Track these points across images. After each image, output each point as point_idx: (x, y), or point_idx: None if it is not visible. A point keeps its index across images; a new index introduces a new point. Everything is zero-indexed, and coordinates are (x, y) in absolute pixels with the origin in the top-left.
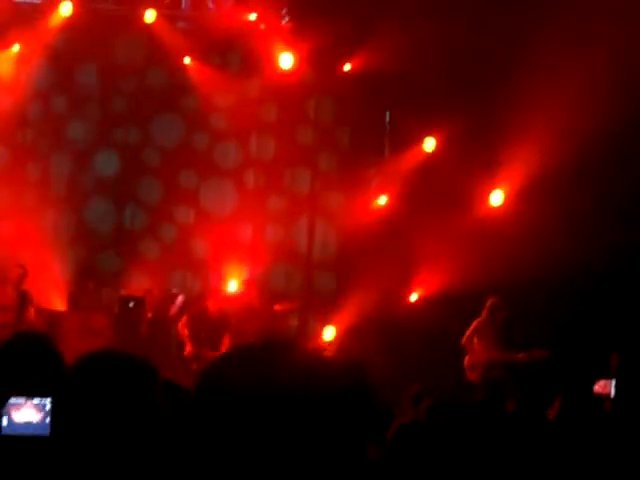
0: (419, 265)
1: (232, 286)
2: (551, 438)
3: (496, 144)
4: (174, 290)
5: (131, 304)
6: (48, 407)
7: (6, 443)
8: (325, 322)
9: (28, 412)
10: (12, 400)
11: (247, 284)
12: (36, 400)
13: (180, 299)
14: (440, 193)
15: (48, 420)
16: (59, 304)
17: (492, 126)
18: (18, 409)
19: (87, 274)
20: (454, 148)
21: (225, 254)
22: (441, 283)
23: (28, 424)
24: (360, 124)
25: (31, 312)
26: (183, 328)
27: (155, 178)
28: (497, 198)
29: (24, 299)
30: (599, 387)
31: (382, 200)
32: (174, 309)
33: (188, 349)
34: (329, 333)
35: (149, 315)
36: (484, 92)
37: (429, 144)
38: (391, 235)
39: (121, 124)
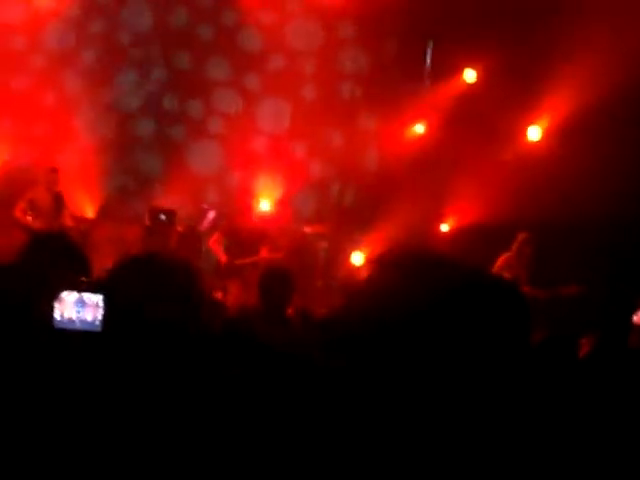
0: (452, 196)
1: (265, 206)
2: (578, 376)
3: (537, 79)
4: (205, 205)
5: (162, 217)
6: (101, 303)
7: (58, 337)
8: (355, 247)
9: (80, 307)
10: (65, 294)
11: (280, 204)
12: (89, 295)
13: (211, 214)
14: (478, 125)
15: (100, 316)
16: (90, 212)
17: (534, 60)
18: (70, 304)
19: (120, 184)
20: (495, 81)
21: (260, 173)
22: (473, 215)
23: (80, 319)
24: (402, 52)
25: (67, 216)
26: (214, 244)
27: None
28: (535, 133)
29: (58, 202)
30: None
31: (419, 128)
32: (205, 224)
33: (223, 259)
34: (358, 258)
35: (179, 229)
36: (529, 25)
37: (470, 75)
38: (426, 164)
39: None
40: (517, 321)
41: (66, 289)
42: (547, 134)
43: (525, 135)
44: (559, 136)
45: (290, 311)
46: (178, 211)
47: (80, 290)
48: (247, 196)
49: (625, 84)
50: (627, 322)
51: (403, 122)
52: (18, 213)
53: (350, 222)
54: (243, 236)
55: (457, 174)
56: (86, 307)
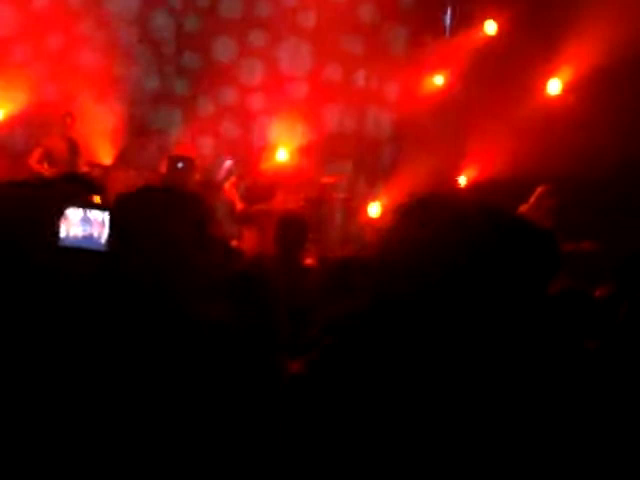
0: (471, 148)
1: (282, 155)
2: (594, 330)
3: (558, 31)
4: (223, 156)
5: (180, 164)
6: (106, 221)
7: (63, 254)
8: (372, 199)
9: (86, 225)
10: (70, 212)
11: (297, 154)
12: (94, 212)
13: (227, 163)
14: (497, 78)
15: (105, 234)
16: (106, 158)
17: (555, 12)
18: (76, 221)
19: (139, 129)
20: (516, 33)
21: (281, 120)
22: (491, 168)
23: (86, 237)
24: (422, 3)
25: (82, 163)
26: (230, 189)
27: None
28: (555, 86)
29: (73, 148)
30: None
31: (439, 80)
32: (222, 173)
33: (239, 206)
34: (374, 209)
35: (197, 177)
36: None
37: (490, 27)
38: (445, 116)
39: None
40: (549, 263)
41: (72, 206)
42: (568, 87)
43: (546, 88)
44: (580, 89)
45: (310, 260)
46: (196, 160)
47: (86, 207)
48: (264, 145)
49: None
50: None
51: (423, 73)
52: (33, 163)
53: (368, 173)
54: (259, 183)
55: (476, 127)
56: (91, 225)
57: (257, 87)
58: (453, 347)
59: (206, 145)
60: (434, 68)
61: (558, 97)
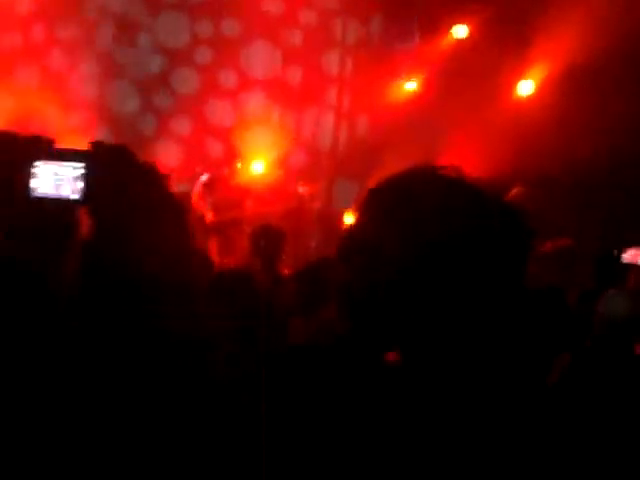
0: (445, 152)
1: (259, 167)
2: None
3: (528, 32)
4: (198, 168)
5: None
6: (81, 172)
7: (36, 205)
8: (348, 207)
9: (60, 176)
10: (41, 163)
11: (273, 164)
12: (68, 163)
13: (204, 177)
14: (469, 81)
15: (80, 185)
16: None
17: (524, 13)
18: (48, 173)
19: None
20: (485, 35)
21: (252, 130)
22: (466, 171)
23: (60, 187)
24: (391, 9)
25: None
26: (198, 199)
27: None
28: (528, 87)
29: None
30: (629, 256)
31: (410, 86)
32: (198, 187)
33: (209, 217)
34: (351, 218)
35: (173, 191)
36: None
37: (459, 31)
38: (418, 121)
39: None
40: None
41: (41, 159)
42: (540, 87)
43: (517, 89)
44: (552, 89)
45: (287, 270)
46: (170, 174)
47: (57, 160)
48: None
49: (622, 34)
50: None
51: (394, 82)
52: None
53: (343, 181)
54: (228, 193)
55: (450, 130)
56: (64, 180)
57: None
58: (435, 342)
59: (178, 158)
60: (405, 73)
61: (530, 97)
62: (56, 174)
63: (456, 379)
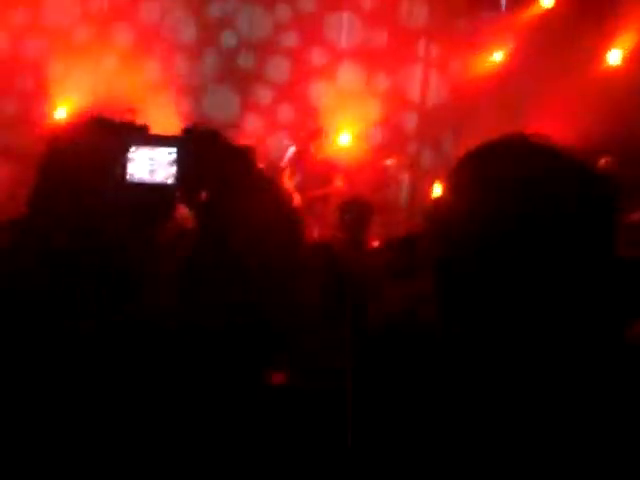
0: (532, 124)
1: (345, 139)
2: None
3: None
4: (285, 141)
5: None
6: (174, 157)
7: (132, 191)
8: (436, 178)
9: (154, 161)
10: (136, 148)
11: (358, 137)
12: (162, 148)
13: (292, 150)
14: (557, 51)
15: (173, 170)
16: None
17: None
18: (143, 158)
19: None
20: (573, 4)
21: (339, 103)
22: (553, 143)
23: (155, 172)
24: None
25: None
26: (286, 180)
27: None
28: (615, 56)
29: None
30: None
31: (498, 56)
32: (285, 160)
33: (295, 196)
34: (439, 188)
35: (260, 166)
36: None
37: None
38: (504, 91)
39: None
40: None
41: (136, 144)
42: (629, 57)
43: (606, 58)
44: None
45: (376, 243)
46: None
47: (152, 145)
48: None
49: None
50: None
51: (481, 49)
52: None
53: (431, 152)
54: (315, 169)
55: (536, 102)
56: (159, 165)
57: (314, 68)
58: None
59: (266, 132)
60: (492, 44)
61: (618, 67)
62: (151, 159)
63: (546, 356)
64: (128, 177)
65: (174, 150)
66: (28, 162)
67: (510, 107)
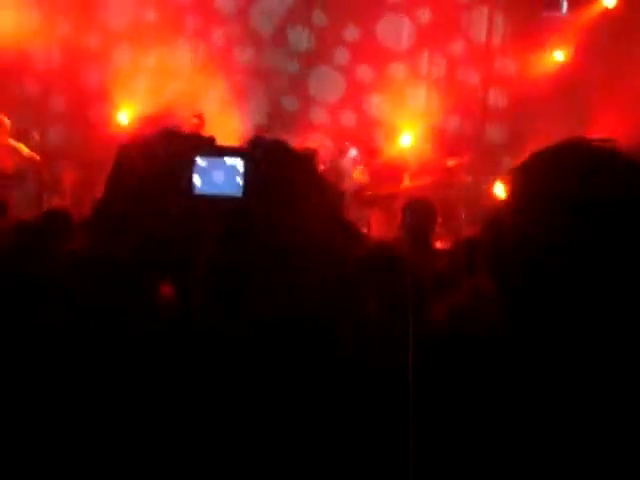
0: (594, 124)
1: (406, 139)
2: None
3: None
4: (347, 143)
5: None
6: (241, 168)
7: (200, 203)
8: (497, 178)
9: (220, 173)
10: (202, 160)
11: (421, 138)
12: (228, 160)
13: (353, 152)
14: (619, 51)
15: (240, 181)
16: None
17: None
18: (210, 170)
19: (261, 125)
20: (635, 3)
21: (400, 108)
22: (619, 146)
23: (221, 184)
24: None
25: None
26: (358, 176)
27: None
28: None
29: None
30: None
31: (558, 56)
32: (347, 162)
33: (367, 190)
34: (500, 188)
35: (321, 167)
36: None
37: (609, 0)
38: (565, 93)
39: None
40: None
41: (202, 156)
42: None
43: None
44: None
45: (439, 244)
46: (320, 149)
47: (218, 154)
48: (388, 129)
49: None
50: None
51: (541, 50)
52: None
53: (492, 153)
54: (385, 167)
55: (599, 101)
56: (226, 172)
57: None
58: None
59: (327, 134)
60: (553, 45)
61: None
62: (217, 170)
63: (611, 356)
64: (195, 189)
65: (241, 162)
66: (90, 166)
67: (572, 109)
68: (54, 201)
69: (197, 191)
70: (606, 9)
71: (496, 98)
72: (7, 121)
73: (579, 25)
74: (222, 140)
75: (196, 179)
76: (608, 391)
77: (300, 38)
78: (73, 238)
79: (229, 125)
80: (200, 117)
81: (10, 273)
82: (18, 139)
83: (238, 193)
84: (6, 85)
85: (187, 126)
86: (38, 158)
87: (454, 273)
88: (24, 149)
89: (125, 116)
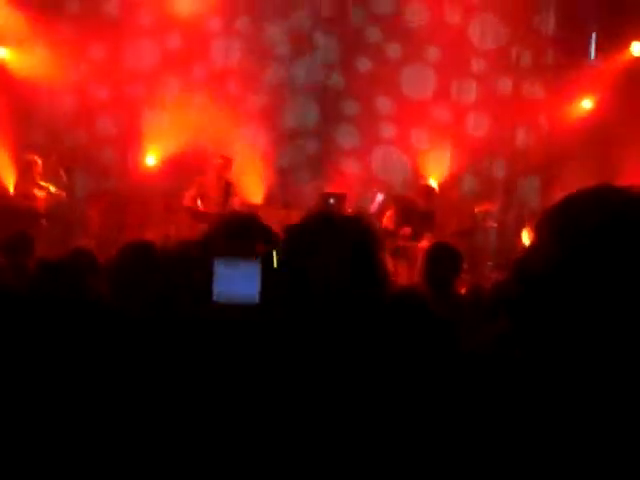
0: (622, 172)
1: (433, 183)
2: None
3: None
4: (375, 188)
5: (331, 201)
6: (258, 273)
7: (217, 311)
8: (525, 225)
9: (238, 279)
10: (221, 266)
11: (447, 183)
12: (246, 265)
13: (380, 197)
14: None
15: (258, 287)
16: (256, 197)
17: None
18: (228, 276)
19: (286, 168)
20: None
21: (425, 151)
22: None
23: (238, 291)
24: (567, 25)
25: (235, 203)
26: (388, 221)
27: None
28: None
29: (227, 191)
30: None
31: (587, 104)
32: (374, 207)
33: (400, 235)
34: (528, 236)
35: (349, 211)
36: None
37: (637, 48)
38: (595, 139)
39: None
40: None
41: (221, 261)
42: None
43: None
44: None
45: (462, 290)
46: (347, 194)
47: (235, 261)
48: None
49: None
50: None
51: (570, 97)
52: (187, 200)
53: (518, 200)
54: (414, 217)
55: (627, 150)
56: (243, 278)
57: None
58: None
59: (356, 179)
60: (582, 92)
61: None
62: (235, 275)
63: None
64: (214, 295)
65: (258, 265)
66: (116, 207)
67: (599, 156)
68: (80, 241)
69: (216, 298)
70: (635, 58)
71: (527, 145)
72: (39, 161)
73: (608, 73)
74: (245, 175)
75: (215, 286)
76: (628, 421)
77: None
78: (99, 277)
79: (252, 161)
80: (225, 158)
81: (33, 311)
82: (47, 179)
83: (256, 296)
84: (37, 124)
85: (212, 167)
86: (65, 197)
87: (473, 320)
88: (52, 188)
89: (152, 158)
